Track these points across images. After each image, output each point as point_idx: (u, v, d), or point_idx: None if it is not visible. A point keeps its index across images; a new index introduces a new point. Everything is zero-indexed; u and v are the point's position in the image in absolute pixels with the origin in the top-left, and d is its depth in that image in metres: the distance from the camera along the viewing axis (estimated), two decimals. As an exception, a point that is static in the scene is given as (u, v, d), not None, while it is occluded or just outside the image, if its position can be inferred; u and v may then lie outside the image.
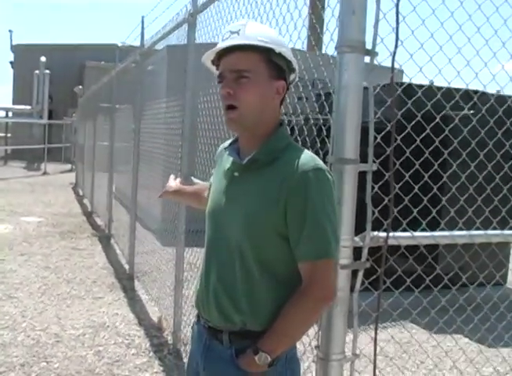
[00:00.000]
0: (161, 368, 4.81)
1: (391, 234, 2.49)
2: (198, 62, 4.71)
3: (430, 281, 3.34)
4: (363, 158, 2.30)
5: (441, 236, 2.80)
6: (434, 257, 5.25)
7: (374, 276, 2.57)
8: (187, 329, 5.09)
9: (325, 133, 2.70)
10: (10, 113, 31.76)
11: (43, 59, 29.30)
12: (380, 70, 2.47)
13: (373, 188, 2.40)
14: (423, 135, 3.00)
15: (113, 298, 6.76)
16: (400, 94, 2.78)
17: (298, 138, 3.05)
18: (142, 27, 7.54)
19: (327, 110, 4.09)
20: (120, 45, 11.75)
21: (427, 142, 3.07)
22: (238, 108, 1.98)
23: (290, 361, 2.05)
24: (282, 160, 1.98)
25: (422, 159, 3.09)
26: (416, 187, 3.07)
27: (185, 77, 4.88)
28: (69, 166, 26.99)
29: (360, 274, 2.43)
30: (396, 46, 2.38)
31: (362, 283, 2.47)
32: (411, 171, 2.99)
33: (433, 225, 2.96)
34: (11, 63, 36.67)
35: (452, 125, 3.23)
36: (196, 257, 5.32)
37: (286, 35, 2.96)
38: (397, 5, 2.35)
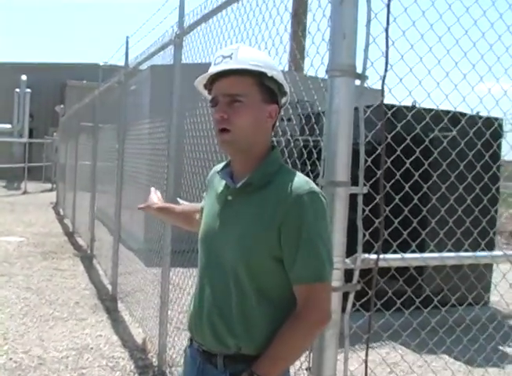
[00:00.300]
0: (147, 391, 4.76)
1: (381, 256, 2.50)
2: (184, 83, 4.76)
3: (420, 302, 3.35)
4: (354, 180, 2.32)
5: (430, 257, 2.82)
6: (424, 278, 5.28)
7: (365, 298, 2.58)
8: (172, 351, 5.06)
9: (315, 156, 2.71)
10: (-10, 132, 31.50)
11: (24, 77, 29.17)
12: (370, 91, 2.50)
13: (363, 210, 2.41)
14: (413, 157, 3.02)
15: (97, 320, 6.69)
16: (389, 117, 2.80)
17: (288, 160, 3.06)
18: (127, 48, 7.55)
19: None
20: (102, 64, 11.76)
21: (416, 163, 3.10)
22: (232, 131, 1.98)
23: (283, 384, 2.05)
24: (275, 183, 1.99)
25: (411, 182, 3.12)
26: (406, 210, 3.09)
27: (171, 98, 4.89)
28: (49, 185, 26.79)
29: (351, 296, 2.44)
30: (386, 70, 2.41)
31: (353, 304, 2.48)
32: (400, 194, 3.01)
33: (422, 247, 2.97)
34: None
35: (440, 148, 3.25)
36: (180, 278, 5.29)
37: (276, 58, 3.00)
38: (386, 30, 2.38)
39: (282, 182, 1.97)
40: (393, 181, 2.89)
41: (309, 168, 2.82)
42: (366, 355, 2.59)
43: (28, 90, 29.17)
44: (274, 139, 3.23)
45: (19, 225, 14.26)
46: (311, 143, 3.01)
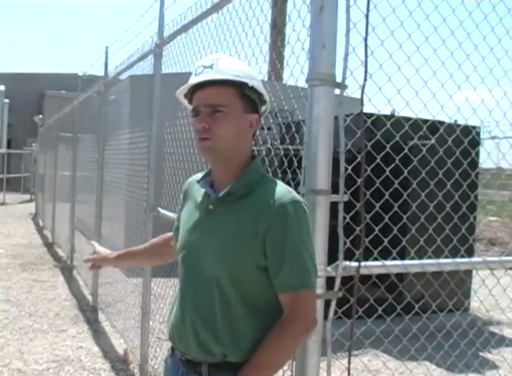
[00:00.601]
0: (129, 402, 4.73)
1: (362, 264, 2.52)
2: (164, 92, 4.77)
3: (401, 309, 3.37)
4: (334, 188, 2.34)
5: (410, 264, 2.85)
6: (405, 285, 5.33)
7: (347, 306, 2.59)
8: (154, 361, 5.03)
9: (296, 164, 2.73)
10: (-33, 143, 31.20)
11: (2, 87, 28.92)
12: (349, 100, 2.52)
13: (344, 218, 2.43)
14: (392, 165, 3.05)
15: (77, 331, 6.64)
16: (369, 125, 2.82)
17: (269, 169, 3.07)
18: (106, 58, 7.54)
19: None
20: (80, 74, 11.72)
21: (395, 171, 3.13)
22: (212, 140, 1.99)
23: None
24: (258, 192, 2.00)
25: (391, 190, 3.15)
26: (387, 217, 3.12)
27: (151, 107, 4.89)
28: (28, 196, 26.57)
29: (333, 303, 2.45)
30: (365, 79, 2.43)
31: (335, 312, 2.49)
32: (381, 202, 3.04)
33: (403, 254, 3.00)
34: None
35: (419, 156, 3.29)
36: (162, 288, 5.28)
37: (256, 68, 3.02)
38: (365, 40, 2.41)
39: (264, 191, 1.99)
40: (373, 189, 2.91)
41: (290, 176, 2.84)
42: (349, 362, 2.60)
43: (6, 100, 28.89)
44: (255, 148, 3.25)
45: (-3, 236, 14.13)
46: (292, 152, 3.03)
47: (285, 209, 1.92)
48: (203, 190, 2.15)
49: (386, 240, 3.02)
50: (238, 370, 1.94)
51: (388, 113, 4.55)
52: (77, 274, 9.71)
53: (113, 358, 5.75)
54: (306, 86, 2.34)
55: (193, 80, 2.03)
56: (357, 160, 2.53)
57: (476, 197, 4.71)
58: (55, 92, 27.17)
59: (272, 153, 3.28)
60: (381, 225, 3.11)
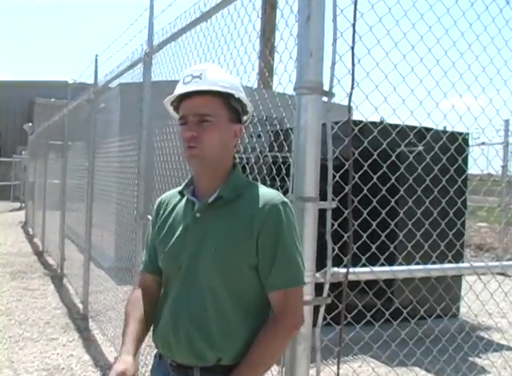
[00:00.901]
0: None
1: (350, 270, 2.54)
2: (154, 100, 4.78)
3: (390, 314, 3.40)
4: (322, 195, 2.36)
5: (398, 270, 2.87)
6: (393, 291, 5.35)
7: (336, 312, 2.61)
8: (145, 369, 5.02)
9: (284, 172, 2.75)
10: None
11: (-9, 96, 28.92)
12: (337, 107, 2.55)
13: (332, 225, 2.45)
14: (380, 172, 3.08)
15: (68, 339, 6.63)
16: (356, 133, 2.85)
17: (258, 176, 3.09)
18: (96, 66, 7.55)
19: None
20: (70, 82, 11.71)
21: (383, 178, 3.16)
22: (200, 148, 2.04)
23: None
24: (246, 196, 2.07)
25: (379, 196, 3.17)
26: (374, 224, 3.14)
27: (141, 115, 4.90)
28: (18, 204, 26.47)
29: (322, 310, 2.47)
30: (352, 87, 2.46)
31: (324, 318, 2.51)
32: (369, 208, 3.06)
33: (391, 260, 3.02)
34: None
35: (407, 162, 3.32)
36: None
37: (245, 76, 3.05)
38: (352, 48, 2.44)
39: (253, 194, 2.06)
40: (361, 195, 2.94)
41: (278, 183, 2.86)
42: (338, 368, 2.61)
43: (-4, 108, 28.91)
44: (243, 155, 3.28)
45: (-13, 245, 14.06)
46: (280, 159, 3.06)
47: (277, 209, 2.01)
48: (183, 202, 2.19)
49: (374, 247, 3.05)
50: (230, 372, 1.97)
51: (377, 120, 4.58)
52: (67, 282, 9.68)
53: (104, 366, 5.73)
54: (294, 94, 2.36)
55: (183, 89, 2.08)
56: (345, 168, 2.56)
57: (464, 203, 4.73)
58: (45, 99, 27.11)
59: (261, 160, 3.31)
60: (369, 231, 3.14)
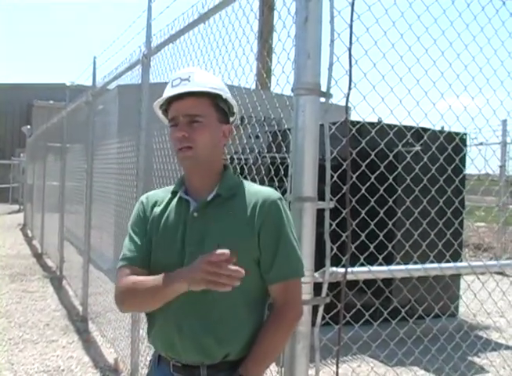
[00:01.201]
0: (120, 411, 4.73)
1: (349, 269, 2.55)
2: (152, 102, 4.78)
3: (388, 314, 3.41)
4: (320, 195, 2.38)
5: (396, 269, 2.89)
6: (392, 290, 5.36)
7: (334, 311, 2.62)
8: (145, 370, 5.02)
9: (282, 172, 2.76)
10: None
11: (-11, 98, 28.89)
12: (335, 107, 2.57)
13: (330, 225, 2.46)
14: (378, 172, 3.09)
15: (68, 341, 6.63)
16: (354, 133, 2.87)
17: (256, 177, 3.11)
18: (94, 68, 7.56)
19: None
20: (68, 84, 11.71)
21: (381, 178, 3.18)
22: (194, 148, 2.08)
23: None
24: (242, 194, 2.12)
25: (377, 196, 3.19)
26: (372, 223, 3.16)
27: (140, 117, 4.92)
28: (17, 207, 26.46)
29: (321, 309, 2.48)
30: (350, 88, 2.48)
31: (323, 317, 2.52)
32: (366, 208, 3.07)
33: (389, 260, 3.03)
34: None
35: (404, 162, 3.33)
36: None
37: (243, 77, 3.07)
38: (350, 49, 2.46)
39: (249, 192, 2.12)
40: (359, 195, 2.95)
41: (277, 184, 2.87)
42: (337, 367, 2.63)
43: (-6, 111, 28.89)
44: (242, 156, 3.29)
45: (-14, 247, 14.06)
46: (279, 160, 3.07)
47: (276, 205, 2.08)
48: (175, 202, 2.19)
49: (372, 246, 3.06)
50: (235, 367, 2.02)
51: (375, 120, 4.60)
52: (66, 284, 9.69)
53: (104, 367, 5.74)
54: (292, 95, 2.38)
55: (173, 91, 2.12)
56: (343, 168, 2.57)
57: (462, 202, 4.75)
58: (44, 102, 27.08)
59: (259, 161, 3.32)
60: (367, 231, 3.15)
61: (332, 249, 2.49)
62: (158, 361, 2.22)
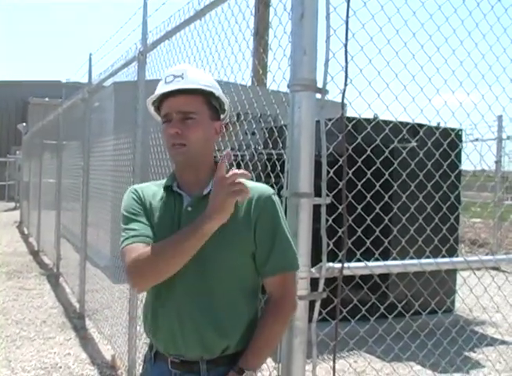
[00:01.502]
0: (117, 407, 4.74)
1: (345, 265, 2.56)
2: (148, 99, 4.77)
3: (385, 309, 3.42)
4: (317, 191, 2.39)
5: (393, 265, 2.90)
6: (388, 286, 5.38)
7: (331, 306, 2.63)
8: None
9: (279, 168, 2.77)
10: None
11: (-15, 96, 28.82)
12: (331, 104, 2.58)
13: (327, 220, 2.47)
14: (374, 168, 3.10)
15: (65, 338, 6.64)
16: (350, 129, 2.87)
17: (252, 173, 3.11)
18: (90, 65, 7.55)
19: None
20: (64, 81, 11.69)
21: (377, 174, 3.19)
22: (187, 145, 2.10)
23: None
24: None
25: (373, 192, 3.19)
26: (369, 219, 3.17)
27: (136, 114, 4.92)
28: (13, 204, 26.43)
29: (317, 304, 2.49)
30: (346, 84, 2.49)
31: (320, 313, 2.53)
32: (363, 204, 3.08)
33: (386, 255, 3.04)
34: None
35: (400, 158, 3.34)
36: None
37: (239, 74, 3.07)
38: (345, 45, 2.47)
39: None
40: (355, 191, 2.96)
41: (273, 180, 2.88)
42: (334, 362, 2.64)
43: (-11, 108, 28.82)
44: (238, 152, 3.30)
45: (-18, 245, 14.04)
46: (275, 156, 3.08)
47: (271, 200, 2.12)
48: (166, 196, 2.18)
49: (368, 242, 3.07)
50: (233, 361, 2.05)
51: (370, 116, 4.61)
52: (63, 281, 9.69)
53: (101, 364, 5.75)
54: (288, 91, 2.39)
55: (167, 88, 2.13)
56: (339, 164, 2.58)
57: (457, 198, 4.76)
58: (39, 99, 27.01)
59: (256, 157, 3.33)
60: (364, 226, 3.16)
61: (328, 245, 2.50)
62: (154, 359, 2.20)
